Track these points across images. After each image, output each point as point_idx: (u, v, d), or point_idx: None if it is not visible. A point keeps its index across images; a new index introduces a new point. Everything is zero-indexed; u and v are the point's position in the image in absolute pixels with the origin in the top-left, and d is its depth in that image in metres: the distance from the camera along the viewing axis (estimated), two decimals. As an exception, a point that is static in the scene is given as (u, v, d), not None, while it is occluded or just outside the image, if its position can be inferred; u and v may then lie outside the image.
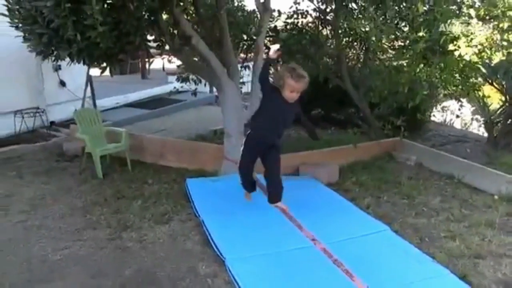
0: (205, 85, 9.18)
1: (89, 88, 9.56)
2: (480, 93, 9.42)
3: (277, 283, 3.71)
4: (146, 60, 14.76)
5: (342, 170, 6.74)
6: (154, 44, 5.74)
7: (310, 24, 8.13)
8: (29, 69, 8.57)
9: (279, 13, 7.81)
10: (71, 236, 4.61)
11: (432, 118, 11.73)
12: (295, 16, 7.91)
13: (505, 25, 5.34)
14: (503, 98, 9.24)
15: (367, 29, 6.47)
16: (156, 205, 5.35)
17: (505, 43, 5.71)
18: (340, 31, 7.62)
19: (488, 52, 5.58)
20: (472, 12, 5.30)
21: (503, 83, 8.77)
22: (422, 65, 5.92)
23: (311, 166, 6.45)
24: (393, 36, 6.33)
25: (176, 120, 10.34)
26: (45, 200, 5.56)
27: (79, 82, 9.45)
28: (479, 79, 8.37)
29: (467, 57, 5.35)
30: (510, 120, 9.36)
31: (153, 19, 5.07)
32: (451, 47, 5.42)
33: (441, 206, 5.77)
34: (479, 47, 5.33)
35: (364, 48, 7.66)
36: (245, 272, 3.79)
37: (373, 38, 5.59)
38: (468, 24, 5.38)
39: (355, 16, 7.21)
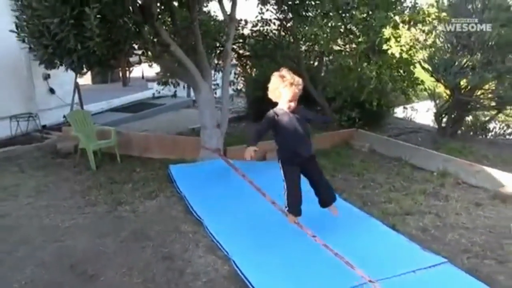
0: (184, 87, 10.16)
1: (76, 95, 10.46)
2: (431, 88, 10.68)
3: (244, 234, 4.71)
4: (127, 69, 15.73)
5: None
6: (140, 51, 6.75)
7: (274, 31, 9.22)
8: (21, 78, 9.52)
9: (246, 22, 8.89)
10: (75, 211, 5.54)
11: (396, 114, 12.98)
12: (260, 24, 8.98)
13: (426, 28, 6.51)
14: (448, 92, 10.47)
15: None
16: (144, 186, 6.32)
17: (427, 43, 6.90)
18: (299, 37, 8.71)
19: (414, 50, 6.69)
20: (397, 18, 6.44)
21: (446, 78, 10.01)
22: (365, 63, 7.02)
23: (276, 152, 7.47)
24: (340, 40, 7.45)
25: (157, 121, 11.31)
26: (48, 188, 6.46)
27: (67, 90, 10.37)
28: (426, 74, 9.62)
29: (397, 54, 6.49)
30: (455, 111, 10.60)
31: (138, 30, 6.08)
32: (385, 47, 6.57)
33: (385, 181, 6.86)
34: (406, 46, 6.45)
35: (320, 51, 8.75)
36: (219, 229, 4.81)
37: (321, 42, 6.70)
38: (397, 28, 6.49)
39: (307, 24, 8.27)
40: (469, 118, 11.32)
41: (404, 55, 6.61)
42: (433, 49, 7.79)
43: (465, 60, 9.14)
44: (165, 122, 11.06)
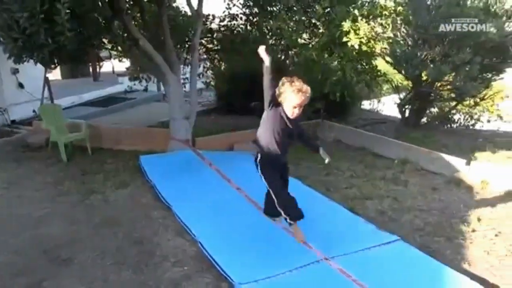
0: (153, 81, 10.31)
1: (46, 89, 10.51)
2: (395, 80, 11.12)
3: (211, 219, 4.98)
4: (97, 63, 15.72)
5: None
6: (109, 46, 6.92)
7: (241, 26, 9.47)
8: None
9: (213, 17, 9.12)
10: (48, 201, 5.70)
11: (364, 107, 13.44)
12: (227, 19, 9.22)
13: (383, 22, 6.91)
14: (410, 84, 10.92)
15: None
16: (116, 177, 6.51)
17: (385, 36, 7.30)
18: (266, 31, 8.99)
19: (373, 42, 7.06)
20: (356, 12, 6.80)
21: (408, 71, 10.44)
22: (327, 56, 7.35)
23: (243, 143, 7.77)
24: (305, 34, 7.76)
25: (127, 115, 11.39)
26: (20, 179, 6.55)
27: (36, 84, 10.40)
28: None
29: (356, 46, 6.86)
30: (417, 102, 11.06)
31: (108, 25, 6.26)
32: (345, 39, 6.93)
33: (348, 168, 7.21)
34: (365, 38, 6.82)
35: (287, 44, 9.01)
36: (187, 214, 5.05)
37: (285, 36, 7.00)
38: (356, 21, 6.84)
39: (272, 18, 8.54)
40: (435, 110, 11.82)
41: (364, 47, 6.96)
42: (391, 41, 8.18)
43: (425, 53, 9.61)
44: (136, 116, 11.18)
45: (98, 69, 16.41)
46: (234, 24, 9.33)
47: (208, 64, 10.55)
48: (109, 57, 13.57)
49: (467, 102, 11.27)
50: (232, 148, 7.77)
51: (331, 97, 7.84)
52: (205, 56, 10.08)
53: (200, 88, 10.64)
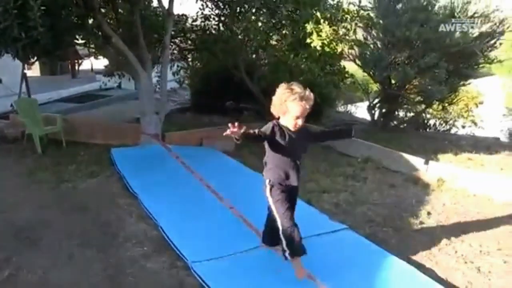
0: (129, 79, 10.58)
1: (24, 84, 10.72)
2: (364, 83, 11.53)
3: (174, 207, 5.30)
4: (76, 61, 15.98)
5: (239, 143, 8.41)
6: (82, 41, 7.21)
7: (214, 26, 9.81)
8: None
9: (186, 17, 9.46)
10: (21, 188, 5.97)
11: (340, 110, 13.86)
12: (200, 19, 9.55)
13: (346, 25, 7.33)
14: (379, 86, 11.33)
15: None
16: (87, 168, 6.79)
17: (348, 38, 7.72)
18: (237, 31, 9.34)
19: (334, 44, 7.47)
20: (319, 14, 7.21)
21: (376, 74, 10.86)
22: (292, 56, 7.75)
23: (212, 139, 8.11)
24: (275, 35, 8.16)
25: (103, 111, 11.68)
26: (-5, 170, 6.83)
27: (15, 80, 10.61)
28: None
29: (318, 47, 7.26)
30: (386, 105, 11.47)
31: (81, 22, 6.55)
32: (308, 40, 7.33)
33: (312, 165, 7.52)
34: (327, 40, 7.23)
35: (258, 44, 9.39)
36: (151, 201, 5.39)
37: (252, 36, 7.38)
38: (318, 23, 7.25)
39: (241, 19, 8.92)
40: (410, 114, 12.21)
41: (326, 49, 7.36)
42: (354, 43, 8.60)
43: (393, 57, 10.01)
44: (111, 112, 11.46)
45: (77, 67, 16.68)
46: (207, 24, 9.67)
47: (182, 63, 10.85)
48: (88, 55, 13.79)
49: (435, 106, 11.74)
50: (201, 143, 8.09)
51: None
52: (178, 56, 10.38)
53: (173, 88, 10.93)
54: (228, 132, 3.16)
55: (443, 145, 9.25)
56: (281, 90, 3.44)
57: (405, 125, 12.03)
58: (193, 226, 4.80)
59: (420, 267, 4.17)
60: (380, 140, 8.89)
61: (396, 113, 11.97)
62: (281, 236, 3.60)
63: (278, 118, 3.57)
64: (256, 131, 3.44)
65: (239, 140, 3.27)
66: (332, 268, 4.01)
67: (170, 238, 4.45)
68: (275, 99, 3.50)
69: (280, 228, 3.61)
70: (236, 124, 3.18)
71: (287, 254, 3.61)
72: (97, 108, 12.01)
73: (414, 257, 4.44)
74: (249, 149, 8.18)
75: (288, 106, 3.38)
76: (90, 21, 7.33)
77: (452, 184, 6.61)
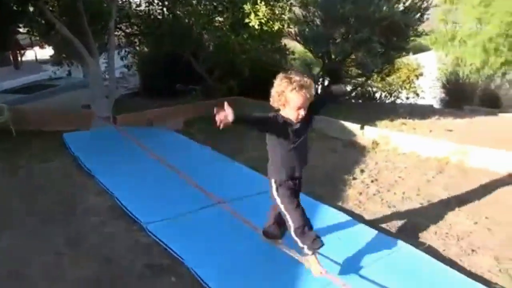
0: (77, 67, 10.65)
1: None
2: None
3: (126, 180, 5.65)
4: (18, 52, 15.73)
5: (187, 121, 8.82)
6: (25, 30, 7.31)
7: (158, 10, 10.05)
8: None
9: (129, 2, 9.65)
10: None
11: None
12: (144, 4, 9.77)
13: (282, 4, 7.81)
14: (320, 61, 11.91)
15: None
16: (41, 154, 6.93)
17: (285, 17, 8.21)
18: (181, 14, 9.63)
19: (271, 22, 7.92)
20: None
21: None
22: (233, 36, 8.15)
23: (161, 119, 8.46)
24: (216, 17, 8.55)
25: (52, 101, 11.59)
26: None
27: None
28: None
29: (256, 26, 7.71)
30: (327, 78, 12.07)
31: (22, 10, 6.64)
32: (247, 20, 7.76)
33: (257, 136, 7.64)
34: (264, 19, 7.67)
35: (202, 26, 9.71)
36: (106, 176, 5.71)
37: (192, 19, 7.75)
38: (256, 3, 7.67)
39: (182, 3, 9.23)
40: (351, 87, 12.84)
41: (264, 27, 7.81)
42: (289, 22, 9.09)
43: (330, 33, 10.56)
44: (61, 101, 11.38)
45: (19, 57, 16.42)
46: (151, 9, 9.90)
47: (130, 48, 11.02)
48: (31, 45, 13.68)
49: (375, 78, 12.44)
50: (151, 124, 8.41)
51: (244, 75, 8.63)
52: (125, 41, 10.55)
53: (122, 72, 11.11)
54: (218, 121, 2.92)
55: (382, 113, 9.86)
56: (279, 81, 3.19)
57: (348, 97, 12.70)
58: (146, 193, 5.22)
59: (350, 213, 4.78)
60: (324, 111, 9.44)
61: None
62: (293, 235, 3.37)
63: (278, 110, 3.27)
64: (253, 116, 3.33)
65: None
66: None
67: (125, 205, 4.83)
68: (273, 91, 3.23)
69: (292, 227, 3.36)
70: (225, 104, 2.97)
71: (306, 250, 3.38)
72: (46, 98, 11.92)
73: (346, 206, 5.07)
74: (198, 126, 8.59)
75: (288, 97, 3.13)
76: (32, 8, 7.42)
77: (385, 146, 7.29)
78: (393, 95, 13.25)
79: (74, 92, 12.75)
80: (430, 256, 3.91)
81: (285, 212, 3.39)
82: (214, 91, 9.78)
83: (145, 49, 11.32)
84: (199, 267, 3.65)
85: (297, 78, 3.12)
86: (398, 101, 13.25)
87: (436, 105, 13.43)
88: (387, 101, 13.40)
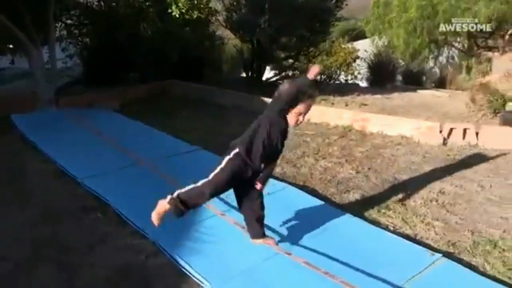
0: (20, 56, 11.26)
1: None
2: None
3: (80, 156, 6.26)
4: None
5: (124, 103, 9.76)
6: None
7: (96, 3, 10.94)
8: None
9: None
10: None
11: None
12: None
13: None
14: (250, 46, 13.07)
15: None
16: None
17: (202, 6, 9.39)
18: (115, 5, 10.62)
19: (191, 11, 9.01)
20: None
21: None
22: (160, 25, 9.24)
23: (100, 101, 9.48)
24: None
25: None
26: None
27: None
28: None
29: (177, 15, 8.79)
30: (258, 62, 13.24)
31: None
32: (170, 10, 8.85)
33: (188, 115, 9.10)
34: (184, 9, 8.77)
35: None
36: (51, 148, 6.53)
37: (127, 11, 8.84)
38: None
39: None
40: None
41: (186, 16, 8.90)
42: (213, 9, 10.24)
43: (256, 19, 11.69)
44: (6, 89, 11.79)
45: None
46: (88, 1, 10.78)
47: (71, 40, 11.71)
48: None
49: (302, 59, 13.67)
50: (92, 105, 9.37)
51: (173, 60, 9.71)
52: (65, 33, 11.27)
53: (65, 63, 11.82)
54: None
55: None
56: (298, 83, 3.30)
57: (276, 78, 13.94)
58: (83, 157, 6.20)
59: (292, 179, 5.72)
60: (253, 91, 10.36)
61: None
62: (200, 185, 3.44)
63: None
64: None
65: None
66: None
67: (63, 166, 5.81)
68: (287, 91, 3.26)
69: (205, 183, 3.42)
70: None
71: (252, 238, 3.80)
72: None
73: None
74: (134, 107, 9.57)
75: (301, 102, 3.29)
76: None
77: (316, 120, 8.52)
78: (332, 77, 14.38)
79: (19, 81, 13.26)
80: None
81: (213, 173, 3.41)
82: (148, 76, 10.84)
83: (86, 39, 12.02)
84: (122, 207, 4.61)
85: (310, 90, 3.28)
86: (337, 82, 14.38)
87: (363, 84, 14.74)
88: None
